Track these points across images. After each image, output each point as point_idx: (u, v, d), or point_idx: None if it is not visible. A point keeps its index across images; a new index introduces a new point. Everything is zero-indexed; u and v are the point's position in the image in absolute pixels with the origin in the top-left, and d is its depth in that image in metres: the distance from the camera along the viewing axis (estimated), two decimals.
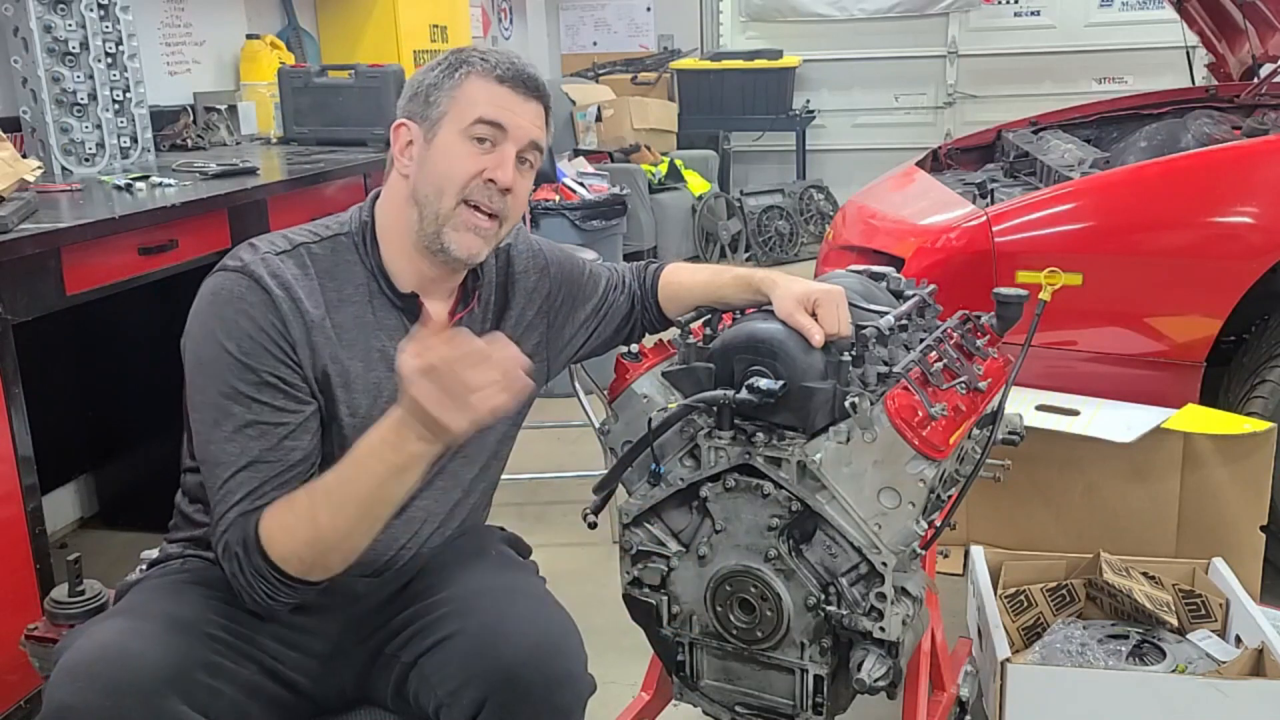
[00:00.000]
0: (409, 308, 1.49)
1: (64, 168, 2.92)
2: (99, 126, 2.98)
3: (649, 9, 7.60)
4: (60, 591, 1.66)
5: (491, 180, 1.44)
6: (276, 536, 1.32)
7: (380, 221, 1.50)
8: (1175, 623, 2.14)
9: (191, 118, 3.68)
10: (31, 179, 2.41)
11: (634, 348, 1.75)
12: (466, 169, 1.43)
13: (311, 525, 1.31)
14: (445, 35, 4.82)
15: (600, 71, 7.34)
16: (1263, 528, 2.47)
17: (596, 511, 1.66)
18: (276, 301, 1.38)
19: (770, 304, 1.59)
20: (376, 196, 1.53)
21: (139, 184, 2.71)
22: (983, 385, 1.62)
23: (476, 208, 1.45)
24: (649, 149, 6.72)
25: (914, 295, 1.78)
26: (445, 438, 1.26)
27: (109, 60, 2.98)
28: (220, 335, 1.36)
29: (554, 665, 1.35)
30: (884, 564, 1.45)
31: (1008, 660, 1.95)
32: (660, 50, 7.57)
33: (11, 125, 2.87)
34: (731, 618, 1.56)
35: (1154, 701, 1.90)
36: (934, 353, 1.62)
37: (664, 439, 1.57)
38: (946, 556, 2.45)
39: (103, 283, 2.36)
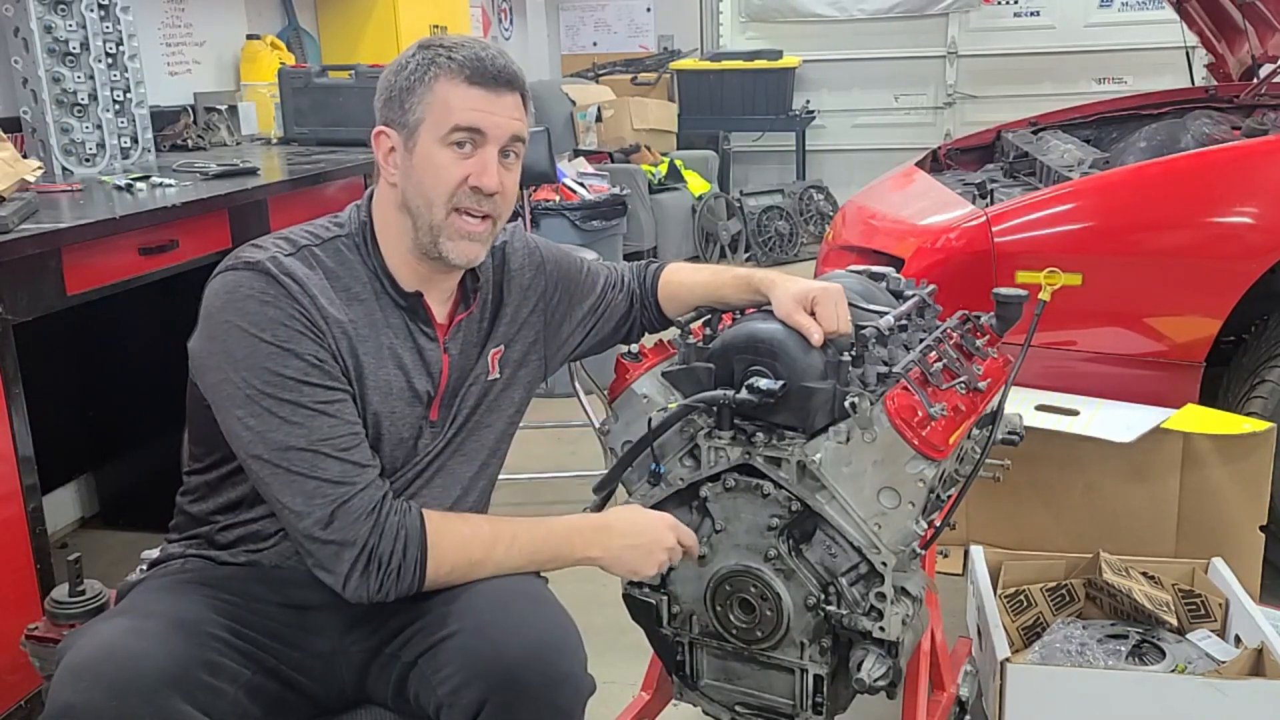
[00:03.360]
0: (413, 307, 1.49)
1: (64, 168, 2.92)
2: (99, 127, 2.98)
3: (649, 9, 7.60)
4: (61, 591, 1.66)
5: (477, 186, 1.44)
6: (447, 543, 1.40)
7: (378, 223, 1.50)
8: (1175, 623, 2.14)
9: (192, 118, 3.69)
10: (32, 179, 2.41)
11: (634, 348, 1.75)
12: (451, 178, 1.43)
13: (485, 552, 1.42)
14: None
15: (600, 72, 7.34)
16: (1262, 528, 2.47)
17: (597, 511, 1.66)
18: (294, 295, 1.38)
19: (770, 304, 1.59)
20: (373, 195, 1.53)
21: (139, 184, 2.71)
22: (982, 385, 1.63)
23: (468, 212, 1.45)
24: (649, 149, 6.72)
25: (914, 295, 1.78)
26: (621, 569, 1.51)
27: (109, 60, 2.98)
28: (249, 329, 1.35)
29: (554, 665, 1.35)
30: (884, 564, 1.45)
31: (1007, 660, 1.95)
32: (660, 51, 7.57)
33: (12, 125, 2.87)
34: (731, 617, 1.56)
35: (1153, 701, 1.90)
36: (934, 353, 1.62)
37: (664, 439, 1.57)
38: (946, 556, 2.45)
39: (103, 283, 2.36)
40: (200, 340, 1.40)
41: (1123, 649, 2.09)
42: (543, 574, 1.62)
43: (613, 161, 6.35)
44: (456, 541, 1.40)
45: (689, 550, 1.53)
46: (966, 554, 2.46)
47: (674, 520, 1.52)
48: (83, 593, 1.65)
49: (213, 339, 1.38)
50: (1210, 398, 2.70)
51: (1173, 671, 2.01)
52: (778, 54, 7.03)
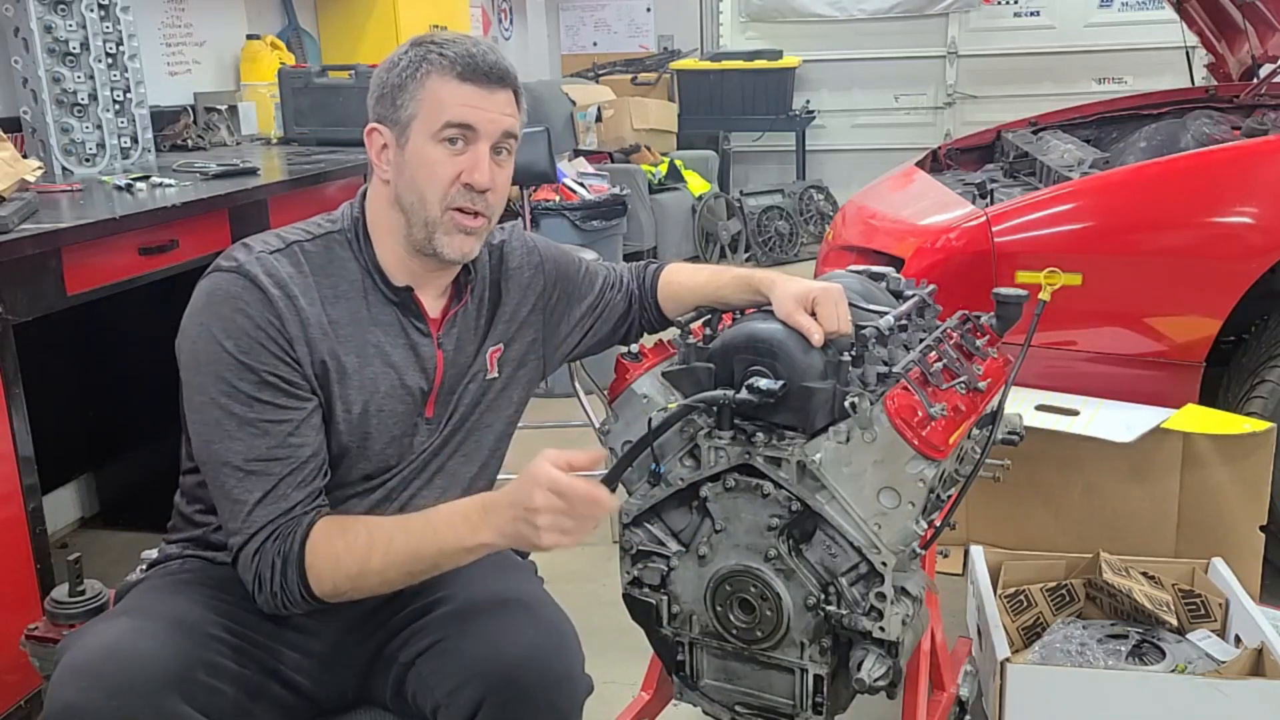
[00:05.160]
0: (404, 302, 1.49)
1: (64, 168, 2.93)
2: (99, 127, 2.98)
3: (649, 9, 7.60)
4: (60, 591, 1.66)
5: (469, 183, 1.44)
6: (322, 560, 1.36)
7: (371, 219, 1.50)
8: (1175, 622, 2.14)
9: (192, 118, 3.69)
10: (32, 179, 2.41)
11: (634, 348, 1.75)
12: (444, 175, 1.43)
13: (361, 563, 1.35)
14: None
15: (600, 72, 7.34)
16: (1262, 528, 2.47)
17: None
18: (272, 299, 1.38)
19: (770, 304, 1.59)
20: (366, 192, 1.53)
21: (139, 184, 2.71)
22: (982, 385, 1.63)
23: (461, 209, 1.45)
24: (649, 149, 6.72)
25: (914, 295, 1.78)
26: (522, 545, 1.33)
27: (109, 60, 2.98)
28: (218, 335, 1.37)
29: (551, 666, 1.35)
30: (884, 564, 1.45)
31: (1007, 660, 1.95)
32: (660, 50, 7.57)
33: (12, 125, 2.87)
34: (731, 617, 1.56)
35: (1154, 701, 1.90)
36: (934, 353, 1.62)
37: (664, 439, 1.57)
38: (946, 556, 2.45)
39: (103, 283, 2.36)
40: (180, 339, 1.42)
41: (1123, 649, 2.09)
42: (540, 574, 1.62)
43: (613, 161, 6.35)
44: (330, 562, 1.36)
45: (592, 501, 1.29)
46: (966, 554, 2.47)
47: (543, 475, 1.27)
48: (83, 593, 1.65)
49: (186, 338, 1.40)
50: (1210, 398, 2.70)
51: (1173, 671, 2.02)
52: (778, 54, 7.03)
